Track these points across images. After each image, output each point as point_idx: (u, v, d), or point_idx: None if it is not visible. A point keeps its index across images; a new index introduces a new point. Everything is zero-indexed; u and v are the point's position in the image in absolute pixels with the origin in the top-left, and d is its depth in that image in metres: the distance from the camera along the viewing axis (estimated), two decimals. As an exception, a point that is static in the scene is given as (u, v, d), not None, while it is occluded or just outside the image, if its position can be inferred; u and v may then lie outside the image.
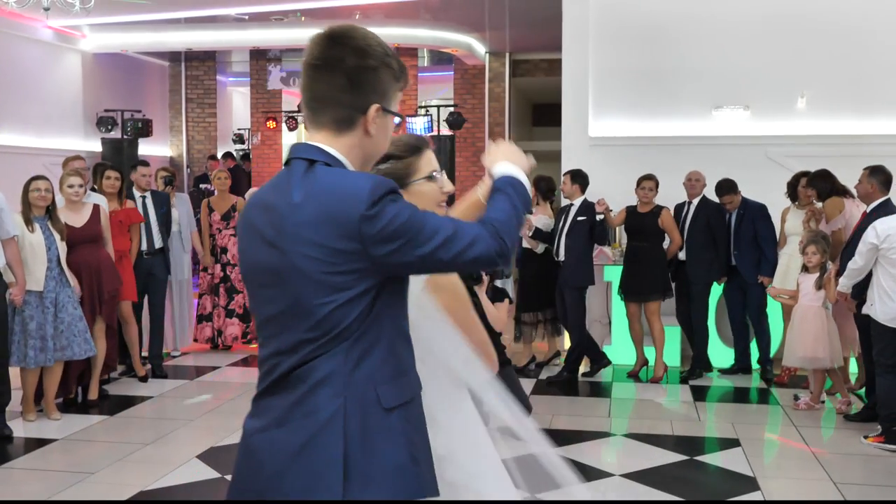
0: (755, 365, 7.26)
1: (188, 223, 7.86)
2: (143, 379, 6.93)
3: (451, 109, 12.13)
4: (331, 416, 1.71)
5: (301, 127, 13.88)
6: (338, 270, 1.70)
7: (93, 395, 6.24)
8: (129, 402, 6.41)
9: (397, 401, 1.77)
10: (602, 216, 6.96)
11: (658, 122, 8.15)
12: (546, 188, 7.40)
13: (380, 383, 1.75)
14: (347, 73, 1.76)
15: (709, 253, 7.03)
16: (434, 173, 2.17)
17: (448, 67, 13.46)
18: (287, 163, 1.82)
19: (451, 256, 1.73)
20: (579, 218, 6.97)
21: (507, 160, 1.96)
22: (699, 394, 6.72)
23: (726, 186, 7.06)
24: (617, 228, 7.65)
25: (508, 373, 5.36)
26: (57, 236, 5.71)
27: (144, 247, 7.11)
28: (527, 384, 6.78)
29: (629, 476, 4.73)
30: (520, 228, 1.85)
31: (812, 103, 7.98)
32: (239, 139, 15.43)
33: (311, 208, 1.71)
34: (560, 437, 5.44)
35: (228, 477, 4.63)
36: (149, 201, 7.24)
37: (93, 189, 6.75)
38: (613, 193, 7.32)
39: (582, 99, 8.28)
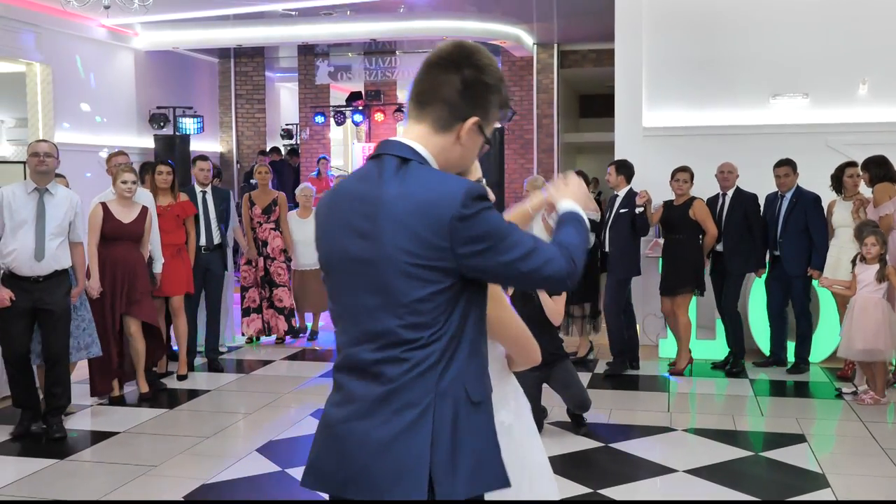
0: (791, 358, 7.10)
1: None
2: (182, 377, 6.87)
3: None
4: (421, 413, 1.75)
5: (348, 122, 13.93)
6: (426, 265, 1.74)
7: (143, 388, 6.28)
8: (187, 395, 6.48)
9: (483, 395, 1.83)
10: (642, 209, 6.88)
11: (714, 112, 8.00)
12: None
13: (467, 380, 1.80)
14: (464, 79, 1.83)
15: (746, 244, 6.93)
16: None
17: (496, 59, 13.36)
18: (376, 157, 1.86)
19: (529, 270, 1.78)
20: (621, 210, 6.94)
21: (574, 199, 2.03)
22: (760, 388, 6.59)
23: (785, 160, 6.92)
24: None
25: (566, 366, 5.31)
26: None
27: (203, 242, 7.15)
28: (583, 378, 6.70)
29: (693, 472, 4.63)
30: (585, 259, 1.90)
31: (874, 90, 7.76)
32: (287, 134, 15.53)
33: (408, 203, 1.75)
34: (620, 432, 5.38)
35: (289, 471, 4.69)
36: (209, 196, 7.26)
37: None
38: (667, 185, 7.19)
39: (635, 89, 8.14)
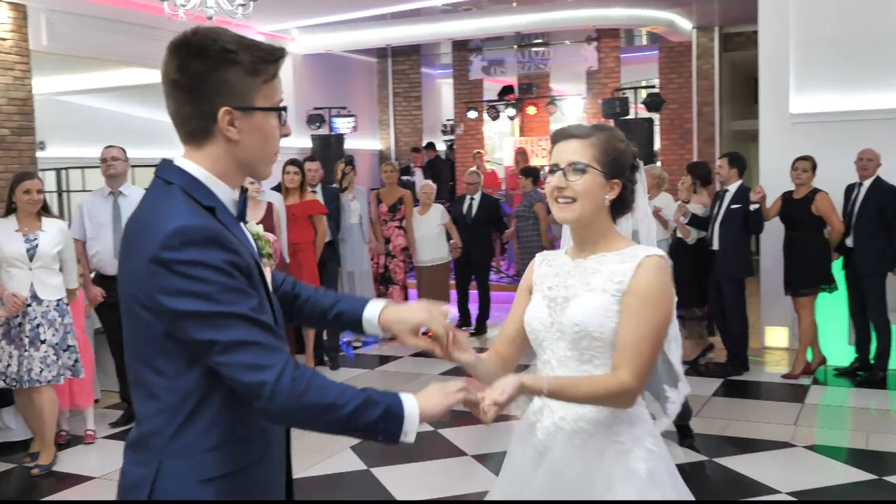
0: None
1: (367, 215, 8.12)
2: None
3: (650, 90, 11.48)
4: (142, 479, 1.60)
5: (502, 115, 13.86)
6: (140, 303, 1.56)
7: None
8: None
9: (217, 472, 1.60)
10: (757, 205, 6.37)
11: (871, 94, 7.19)
12: (703, 172, 6.89)
13: (200, 451, 1.59)
14: (185, 84, 1.60)
15: (880, 240, 6.21)
16: None
17: (652, 47, 12.82)
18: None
19: (225, 362, 1.51)
20: (733, 206, 6.47)
21: (431, 408, 1.67)
22: (913, 402, 5.90)
23: None
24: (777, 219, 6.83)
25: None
26: None
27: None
28: (705, 383, 6.29)
29: (796, 494, 4.21)
30: (316, 428, 1.59)
31: None
32: (449, 130, 15.73)
33: (127, 232, 1.64)
34: (731, 446, 5.00)
35: (373, 470, 4.70)
36: (319, 196, 7.43)
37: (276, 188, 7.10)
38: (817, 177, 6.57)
39: (781, 72, 7.48)
